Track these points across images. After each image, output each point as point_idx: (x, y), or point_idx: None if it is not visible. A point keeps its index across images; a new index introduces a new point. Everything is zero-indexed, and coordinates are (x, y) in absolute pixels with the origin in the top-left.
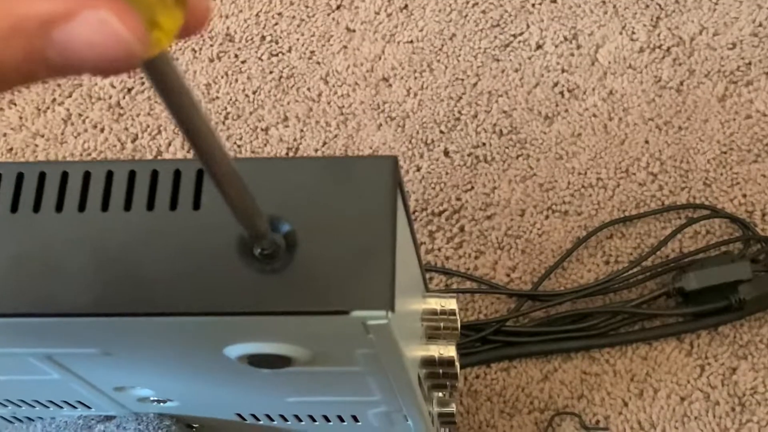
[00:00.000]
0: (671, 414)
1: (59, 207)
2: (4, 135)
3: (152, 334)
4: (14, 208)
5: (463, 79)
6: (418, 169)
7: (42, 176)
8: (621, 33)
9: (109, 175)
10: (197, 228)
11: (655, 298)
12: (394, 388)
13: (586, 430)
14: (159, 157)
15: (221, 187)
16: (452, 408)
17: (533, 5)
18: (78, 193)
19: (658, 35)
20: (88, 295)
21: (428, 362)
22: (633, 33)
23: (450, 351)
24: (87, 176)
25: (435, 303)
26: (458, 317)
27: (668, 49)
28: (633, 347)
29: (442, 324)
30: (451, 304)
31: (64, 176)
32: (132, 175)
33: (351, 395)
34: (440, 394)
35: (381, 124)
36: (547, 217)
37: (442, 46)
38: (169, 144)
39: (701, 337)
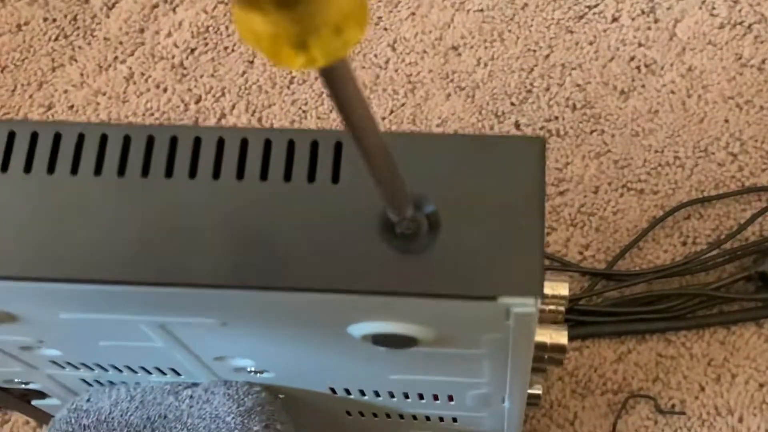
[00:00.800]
0: (749, 400)
1: (192, 173)
2: (65, 92)
3: (280, 308)
4: (145, 172)
5: (535, 51)
6: (495, 135)
7: (174, 141)
8: (701, 8)
9: (244, 143)
10: (336, 202)
11: (734, 282)
12: (508, 372)
13: (661, 414)
14: (223, 119)
15: (370, 160)
16: (539, 390)
17: None
18: (212, 160)
19: (740, 11)
20: (219, 265)
21: (539, 347)
22: (713, 8)
23: (561, 337)
24: (221, 143)
25: (547, 287)
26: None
27: (750, 26)
28: (710, 331)
29: (549, 308)
30: (563, 289)
31: (197, 142)
32: (268, 143)
33: (460, 376)
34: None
35: (450, 94)
36: (622, 195)
37: (514, 15)
38: (233, 107)
39: None
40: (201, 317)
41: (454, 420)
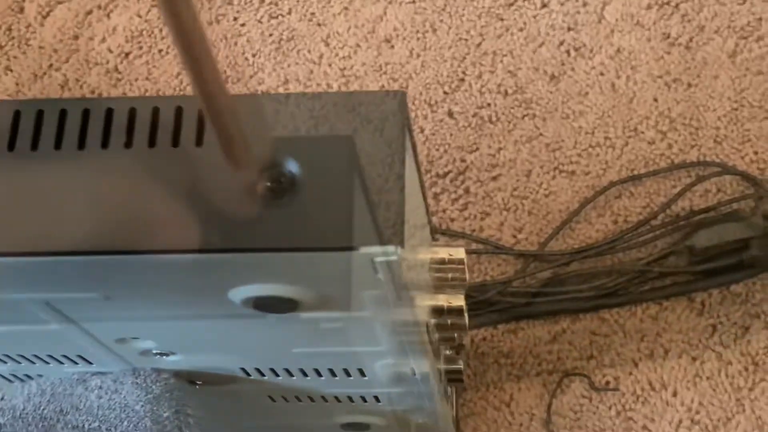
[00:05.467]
0: (683, 374)
1: (57, 145)
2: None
3: (153, 274)
4: (11, 146)
5: (466, 39)
6: (422, 131)
7: (40, 114)
8: None
9: (109, 113)
10: (200, 164)
11: (664, 257)
12: (402, 336)
13: (595, 391)
14: None
15: (208, 100)
16: (460, 365)
17: None
18: (77, 131)
19: None
20: (85, 232)
21: (437, 311)
22: None
23: (458, 300)
24: (86, 114)
25: (443, 252)
26: (466, 267)
27: (677, 5)
28: (643, 307)
29: (450, 274)
30: (460, 253)
31: (63, 114)
32: (132, 112)
33: (357, 345)
34: (447, 351)
35: (383, 86)
36: (554, 177)
37: (445, 6)
38: None
39: (713, 296)
40: (80, 291)
41: (377, 399)
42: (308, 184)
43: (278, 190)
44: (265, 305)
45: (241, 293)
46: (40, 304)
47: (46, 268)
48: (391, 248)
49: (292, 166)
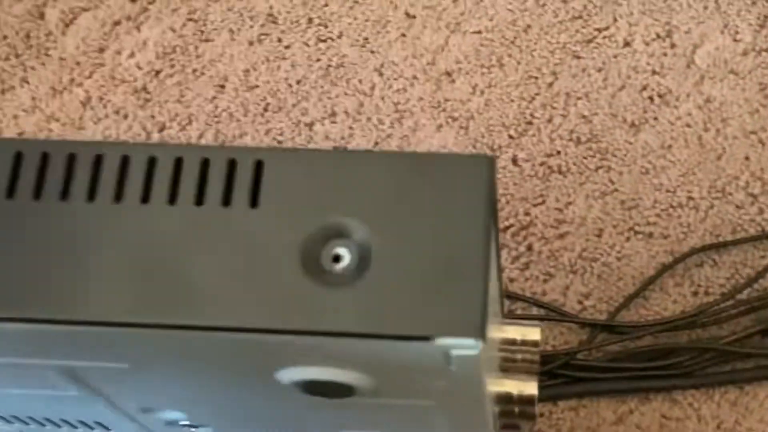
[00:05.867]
0: None
1: (91, 196)
2: (15, 117)
3: (196, 350)
4: (37, 195)
5: (537, 78)
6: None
7: (71, 158)
8: (722, 32)
9: (152, 161)
10: (254, 229)
11: (749, 336)
12: (463, 427)
13: None
14: None
15: None
16: None
17: None
18: (114, 180)
19: (766, 37)
20: (120, 300)
21: (504, 399)
22: (736, 33)
23: (531, 388)
24: (125, 161)
25: (515, 332)
26: (539, 350)
27: None
28: (721, 390)
29: (520, 356)
30: (534, 334)
31: (98, 159)
32: (179, 162)
33: (412, 430)
34: None
35: (441, 125)
36: (628, 239)
37: (515, 38)
38: (201, 136)
39: None
40: (111, 362)
41: None
42: (380, 260)
43: (344, 263)
44: (317, 390)
45: (290, 374)
46: (61, 370)
47: (76, 337)
48: (471, 341)
49: (363, 238)
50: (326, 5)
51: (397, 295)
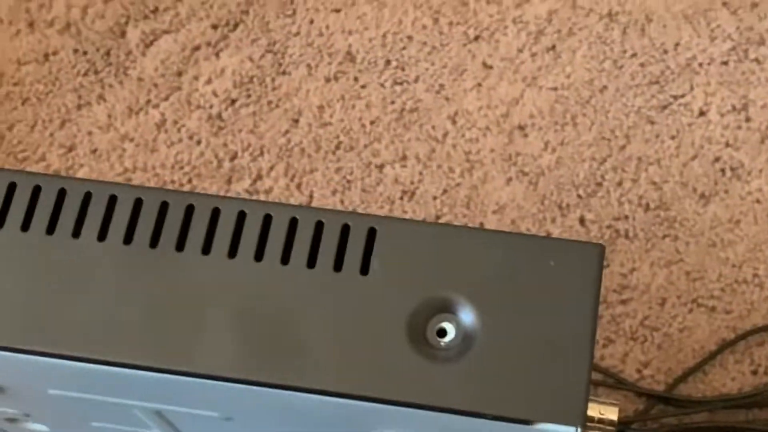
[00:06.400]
0: None
1: (206, 249)
2: (90, 133)
3: (294, 409)
4: (154, 243)
5: (610, 140)
6: (548, 236)
7: (189, 209)
8: None
9: (267, 220)
10: (363, 296)
11: None
12: None
13: None
14: (258, 182)
15: None
16: None
17: (700, 65)
18: (230, 235)
19: None
20: (227, 356)
21: None
22: None
23: None
24: (241, 217)
25: (593, 409)
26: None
27: None
28: None
29: None
30: (612, 413)
31: (215, 213)
32: (293, 222)
33: None
34: None
35: (511, 178)
36: (691, 310)
37: (590, 98)
38: (271, 168)
39: None
40: (204, 409)
41: None
42: (486, 338)
43: (449, 338)
44: None
45: None
46: (150, 412)
47: (179, 386)
48: (570, 429)
49: (470, 315)
50: (405, 48)
51: (501, 376)
